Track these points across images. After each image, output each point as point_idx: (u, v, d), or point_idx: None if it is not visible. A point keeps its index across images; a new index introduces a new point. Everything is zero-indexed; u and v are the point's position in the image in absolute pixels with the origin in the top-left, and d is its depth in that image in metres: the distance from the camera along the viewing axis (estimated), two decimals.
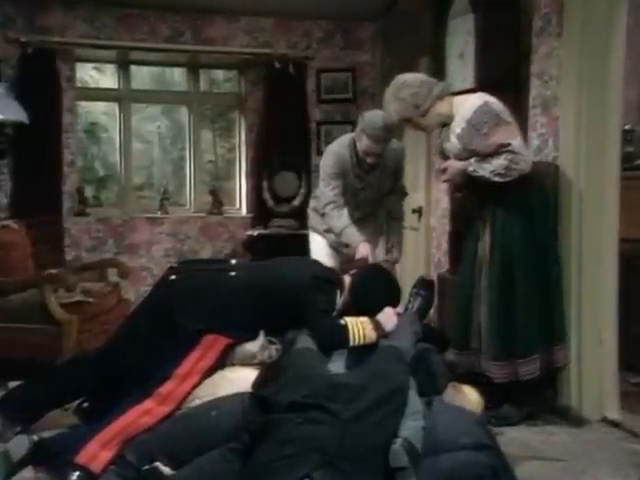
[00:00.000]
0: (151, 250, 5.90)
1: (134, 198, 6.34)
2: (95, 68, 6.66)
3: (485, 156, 3.07)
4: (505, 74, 3.77)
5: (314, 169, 5.75)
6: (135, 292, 4.86)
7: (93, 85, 6.71)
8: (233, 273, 2.97)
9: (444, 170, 3.28)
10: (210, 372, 2.75)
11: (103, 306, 4.25)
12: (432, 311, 3.55)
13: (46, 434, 2.69)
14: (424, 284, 3.36)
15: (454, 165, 3.21)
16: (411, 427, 2.27)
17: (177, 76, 6.77)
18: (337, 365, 2.67)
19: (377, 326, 2.85)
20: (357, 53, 6.25)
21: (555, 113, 3.46)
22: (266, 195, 6.00)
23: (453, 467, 2.24)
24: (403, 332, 2.86)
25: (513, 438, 3.00)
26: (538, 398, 3.33)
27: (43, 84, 5.39)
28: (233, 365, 2.83)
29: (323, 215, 3.69)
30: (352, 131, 3.72)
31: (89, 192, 6.13)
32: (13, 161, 5.37)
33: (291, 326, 2.86)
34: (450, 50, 4.61)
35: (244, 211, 6.26)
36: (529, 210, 3.15)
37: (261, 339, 2.84)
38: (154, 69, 6.74)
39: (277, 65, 5.92)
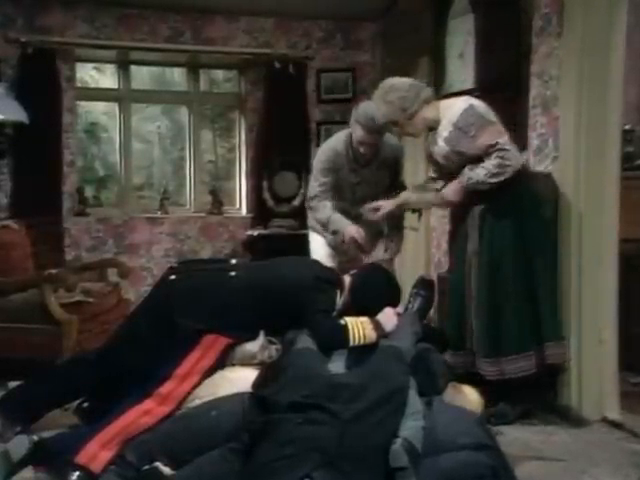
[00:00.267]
0: (151, 250, 5.89)
1: (134, 198, 6.34)
2: (95, 68, 6.66)
3: (474, 161, 3.10)
4: (505, 74, 3.77)
5: None
6: (135, 292, 4.86)
7: (93, 85, 6.71)
8: (233, 273, 2.97)
9: (376, 209, 3.42)
10: (210, 372, 2.75)
11: (103, 306, 4.25)
12: (432, 311, 3.55)
13: (46, 434, 2.68)
14: (424, 284, 3.36)
15: (386, 206, 3.39)
16: (411, 427, 2.27)
17: (177, 76, 6.78)
18: (337, 365, 2.68)
19: (377, 326, 2.85)
20: (357, 53, 6.25)
21: (555, 113, 3.46)
22: (266, 195, 5.99)
23: (453, 467, 2.24)
24: (403, 332, 2.86)
25: (513, 438, 3.01)
26: (533, 396, 3.33)
27: (43, 84, 5.38)
28: (233, 365, 2.83)
29: (310, 209, 3.73)
30: None
31: (89, 192, 6.13)
32: (13, 161, 5.37)
33: (291, 326, 2.86)
34: (450, 50, 4.62)
35: (244, 211, 6.26)
36: (519, 210, 3.17)
37: (261, 339, 2.84)
38: (154, 69, 6.75)
39: (277, 65, 5.92)
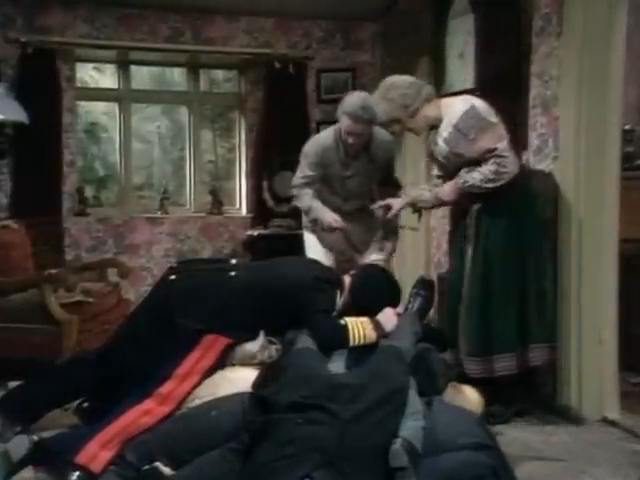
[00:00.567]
0: (151, 250, 5.89)
1: (134, 198, 6.33)
2: (95, 68, 6.65)
3: (473, 163, 3.10)
4: (505, 74, 3.77)
5: None
6: (135, 292, 4.86)
7: (93, 85, 6.71)
8: (233, 273, 2.97)
9: (388, 208, 3.43)
10: (210, 372, 2.75)
11: (103, 306, 4.25)
12: (432, 311, 3.55)
13: (46, 434, 2.69)
14: (424, 284, 3.36)
15: (396, 204, 3.41)
16: (411, 427, 2.27)
17: (177, 76, 6.77)
18: (337, 365, 2.67)
19: (377, 326, 2.84)
20: (357, 53, 6.25)
21: (555, 113, 3.46)
22: (266, 195, 5.99)
23: (453, 467, 2.24)
24: (403, 332, 2.86)
25: (513, 438, 3.01)
26: (527, 395, 3.35)
27: (43, 84, 5.38)
28: (233, 365, 2.83)
29: (294, 198, 3.78)
30: None
31: (89, 192, 6.12)
32: (13, 161, 5.36)
33: (291, 326, 2.86)
34: (450, 50, 4.62)
35: (244, 211, 6.26)
36: (514, 213, 3.17)
37: (261, 339, 2.84)
38: (154, 69, 6.74)
39: (277, 65, 5.92)
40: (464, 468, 2.24)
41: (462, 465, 2.25)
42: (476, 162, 3.11)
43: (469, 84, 4.14)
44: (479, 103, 3.15)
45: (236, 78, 6.47)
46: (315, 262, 3.34)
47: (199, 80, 6.32)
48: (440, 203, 3.39)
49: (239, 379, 2.70)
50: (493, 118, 3.12)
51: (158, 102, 6.89)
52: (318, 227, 3.69)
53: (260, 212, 6.05)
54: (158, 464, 2.33)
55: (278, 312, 2.86)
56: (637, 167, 4.03)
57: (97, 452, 2.41)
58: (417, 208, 3.46)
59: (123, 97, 6.05)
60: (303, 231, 3.95)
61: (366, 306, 2.95)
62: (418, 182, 5.08)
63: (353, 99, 3.43)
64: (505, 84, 3.75)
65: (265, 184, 5.99)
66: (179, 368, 2.69)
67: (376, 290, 3.05)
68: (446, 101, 3.29)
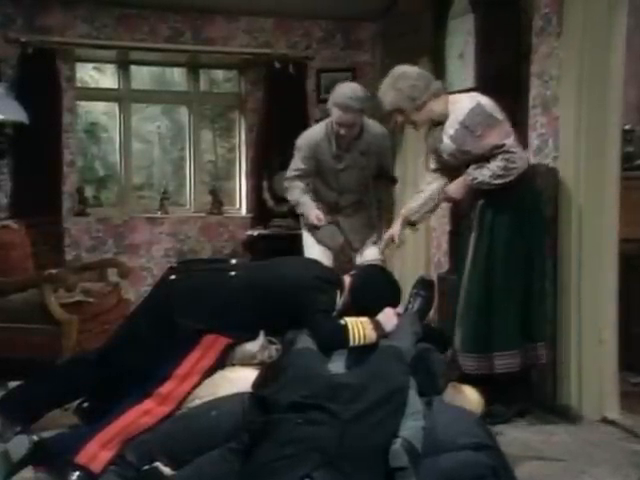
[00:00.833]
0: (151, 250, 5.89)
1: (134, 198, 6.33)
2: (95, 68, 6.65)
3: (480, 160, 3.09)
4: (505, 74, 3.77)
5: None
6: (135, 292, 4.86)
7: (93, 85, 6.71)
8: (233, 273, 2.97)
9: (392, 240, 3.50)
10: (210, 372, 2.75)
11: (103, 306, 4.25)
12: (432, 311, 3.55)
13: (46, 434, 2.69)
14: (424, 284, 3.36)
15: (395, 232, 3.47)
16: (411, 427, 2.27)
17: (177, 76, 6.77)
18: (337, 365, 2.68)
19: (377, 326, 2.85)
20: (357, 53, 6.24)
21: (555, 113, 3.46)
22: (266, 195, 5.99)
23: (453, 467, 2.24)
24: (403, 332, 2.86)
25: (513, 438, 3.01)
26: (527, 395, 3.35)
27: (43, 84, 5.38)
28: (233, 365, 2.83)
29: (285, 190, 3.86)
30: None
31: (89, 192, 6.12)
32: (13, 161, 5.36)
33: (291, 326, 2.86)
34: (450, 50, 4.62)
35: (244, 211, 6.26)
36: (519, 211, 3.16)
37: (261, 339, 2.84)
38: (154, 69, 6.74)
39: (277, 65, 5.92)
40: (464, 468, 2.24)
41: (462, 465, 2.25)
42: (483, 159, 3.10)
43: (469, 84, 4.13)
44: (485, 100, 3.13)
45: (236, 78, 6.46)
46: (315, 262, 3.34)
47: (199, 80, 6.32)
48: (448, 200, 3.38)
49: (239, 379, 2.70)
50: (499, 115, 3.11)
51: (158, 102, 6.88)
52: (303, 220, 3.80)
53: (260, 212, 6.05)
54: (158, 464, 2.33)
55: (278, 312, 2.86)
56: (637, 167, 4.03)
57: (97, 452, 2.41)
58: (412, 222, 3.47)
59: (123, 97, 6.05)
60: (303, 231, 3.95)
61: (366, 306, 2.95)
62: (417, 178, 5.09)
63: (342, 89, 3.45)
64: (505, 84, 3.74)
65: (265, 184, 5.99)
66: (179, 368, 2.69)
67: (376, 290, 3.06)
68: (453, 97, 3.27)
